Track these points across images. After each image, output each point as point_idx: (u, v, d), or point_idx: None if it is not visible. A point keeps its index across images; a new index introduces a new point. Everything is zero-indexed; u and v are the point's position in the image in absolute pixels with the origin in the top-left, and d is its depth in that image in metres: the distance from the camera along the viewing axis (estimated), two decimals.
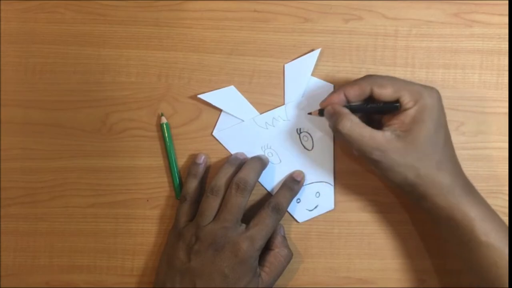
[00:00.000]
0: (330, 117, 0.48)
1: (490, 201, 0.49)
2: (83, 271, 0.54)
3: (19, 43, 0.54)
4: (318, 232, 0.54)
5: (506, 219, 0.53)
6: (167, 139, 0.53)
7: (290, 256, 0.51)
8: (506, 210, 0.53)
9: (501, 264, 0.45)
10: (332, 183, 0.53)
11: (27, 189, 0.54)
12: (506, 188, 0.53)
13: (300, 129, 0.53)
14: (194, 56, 0.54)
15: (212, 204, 0.50)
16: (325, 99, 0.49)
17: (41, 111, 0.54)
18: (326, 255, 0.54)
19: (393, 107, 0.47)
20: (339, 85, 0.53)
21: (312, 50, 0.53)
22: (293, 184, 0.52)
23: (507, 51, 0.53)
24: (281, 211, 0.50)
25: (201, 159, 0.53)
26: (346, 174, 0.54)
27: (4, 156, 0.54)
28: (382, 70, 0.53)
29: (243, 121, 0.53)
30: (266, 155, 0.53)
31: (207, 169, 0.54)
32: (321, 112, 0.49)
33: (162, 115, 0.53)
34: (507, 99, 0.53)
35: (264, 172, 0.52)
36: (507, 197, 0.53)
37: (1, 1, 0.53)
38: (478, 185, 0.52)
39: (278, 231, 0.52)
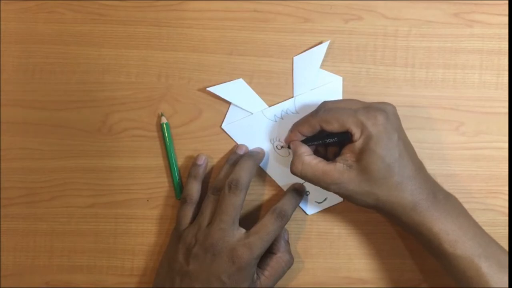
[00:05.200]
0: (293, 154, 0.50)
1: (490, 201, 0.49)
2: (83, 271, 0.54)
3: (19, 43, 0.54)
4: (318, 232, 0.54)
5: (506, 219, 0.53)
6: (167, 139, 0.53)
7: (291, 262, 0.51)
8: (506, 210, 0.53)
9: (470, 274, 0.45)
10: None
11: (27, 189, 0.54)
12: (506, 188, 0.53)
13: None
14: (194, 56, 0.54)
15: (212, 203, 0.50)
16: (286, 137, 0.52)
17: (41, 111, 0.54)
18: (326, 255, 0.54)
19: (346, 138, 0.47)
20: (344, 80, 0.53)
21: (321, 43, 0.53)
22: (296, 193, 0.52)
23: (507, 51, 0.53)
24: (285, 217, 0.50)
25: (202, 160, 0.53)
26: None
27: (4, 156, 0.54)
28: (382, 70, 0.53)
29: (251, 113, 0.53)
30: (275, 147, 0.53)
31: (209, 169, 0.54)
32: (289, 146, 0.51)
33: (162, 115, 0.53)
34: (507, 99, 0.53)
35: (273, 166, 0.53)
36: (507, 197, 0.53)
37: (1, 1, 0.53)
38: (478, 185, 0.53)
39: (282, 236, 0.52)
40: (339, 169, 0.47)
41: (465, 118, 0.53)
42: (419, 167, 0.47)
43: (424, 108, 0.53)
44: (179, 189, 0.53)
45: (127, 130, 0.54)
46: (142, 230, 0.54)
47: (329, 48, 0.53)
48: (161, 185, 0.54)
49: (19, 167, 0.54)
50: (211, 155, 0.54)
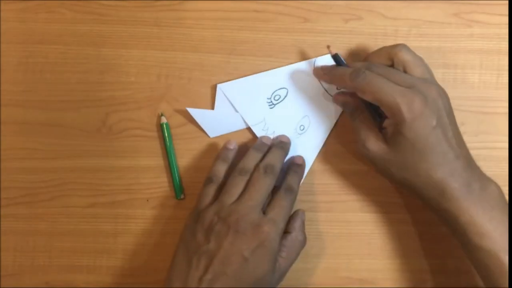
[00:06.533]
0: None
1: None
2: (83, 271, 0.54)
3: (19, 43, 0.54)
4: (318, 232, 0.54)
5: None
6: (167, 139, 0.53)
7: (304, 242, 0.50)
8: None
9: (493, 269, 0.44)
10: None
11: (27, 189, 0.54)
12: (506, 188, 0.53)
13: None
14: (194, 56, 0.54)
15: (239, 183, 0.49)
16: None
17: (41, 111, 0.54)
18: (326, 255, 0.54)
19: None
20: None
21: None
22: (296, 167, 0.52)
23: (507, 51, 0.53)
24: (293, 191, 0.49)
25: (232, 145, 0.52)
26: (346, 173, 0.54)
27: (4, 156, 0.54)
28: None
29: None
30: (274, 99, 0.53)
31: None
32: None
33: (162, 115, 0.53)
34: (507, 99, 0.53)
35: None
36: (507, 197, 0.53)
37: (1, 1, 0.54)
38: None
39: (299, 215, 0.51)
40: (377, 137, 0.48)
41: (465, 118, 0.53)
42: (458, 154, 0.46)
43: None
44: (179, 189, 0.53)
45: (127, 130, 0.54)
46: (142, 230, 0.54)
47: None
48: (161, 185, 0.54)
49: (19, 167, 0.54)
50: (210, 154, 0.54)
